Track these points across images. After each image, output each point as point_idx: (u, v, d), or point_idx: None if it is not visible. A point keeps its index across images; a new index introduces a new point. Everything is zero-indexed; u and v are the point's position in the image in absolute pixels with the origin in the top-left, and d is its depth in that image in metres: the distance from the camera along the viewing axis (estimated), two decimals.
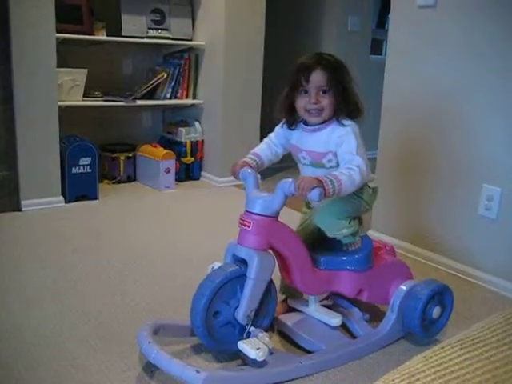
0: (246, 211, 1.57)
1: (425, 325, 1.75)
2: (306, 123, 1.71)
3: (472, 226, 2.34)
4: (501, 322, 1.03)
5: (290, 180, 1.50)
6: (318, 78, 1.62)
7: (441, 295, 1.79)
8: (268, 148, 1.81)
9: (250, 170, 1.64)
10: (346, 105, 1.64)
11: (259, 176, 1.66)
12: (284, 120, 1.77)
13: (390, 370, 1.58)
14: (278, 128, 1.81)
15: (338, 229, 1.68)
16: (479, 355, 0.90)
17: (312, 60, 1.65)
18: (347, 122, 1.64)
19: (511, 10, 2.12)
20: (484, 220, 2.28)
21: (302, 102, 1.66)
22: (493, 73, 2.20)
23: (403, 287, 1.76)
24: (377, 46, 5.40)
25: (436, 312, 1.76)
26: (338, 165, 1.63)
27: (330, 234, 1.70)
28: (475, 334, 0.97)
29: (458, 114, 2.35)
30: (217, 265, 1.64)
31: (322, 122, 1.66)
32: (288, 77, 1.69)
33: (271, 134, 1.83)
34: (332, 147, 1.63)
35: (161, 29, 3.67)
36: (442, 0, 2.36)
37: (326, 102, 1.63)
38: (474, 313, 2.03)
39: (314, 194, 1.46)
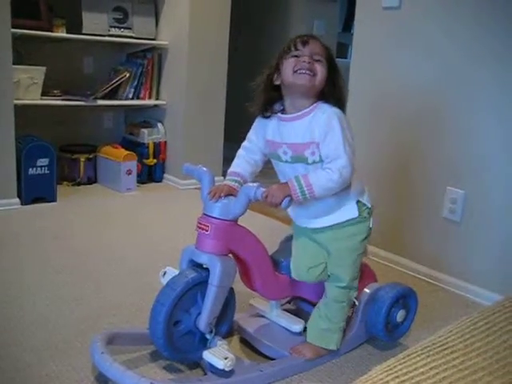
0: (204, 214, 1.50)
1: (389, 328, 1.72)
2: (283, 111, 1.53)
3: (436, 229, 2.32)
4: (468, 327, 0.99)
5: (256, 185, 1.43)
6: (315, 45, 1.46)
7: (405, 298, 1.76)
8: (244, 161, 1.61)
9: (205, 169, 1.55)
10: (335, 89, 1.48)
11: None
12: (259, 107, 1.55)
13: (353, 376, 1.57)
14: (252, 128, 1.62)
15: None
16: (446, 363, 0.85)
17: (308, 34, 1.50)
18: (333, 107, 1.47)
19: (474, 10, 2.12)
20: (448, 223, 2.27)
21: (290, 64, 1.45)
22: (456, 73, 2.20)
23: (367, 290, 1.72)
24: (342, 50, 5.42)
25: (400, 315, 1.73)
26: (321, 159, 1.47)
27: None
28: (442, 340, 0.93)
29: (421, 115, 2.34)
30: (170, 269, 1.58)
31: (306, 106, 1.47)
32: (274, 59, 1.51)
33: (244, 143, 1.64)
34: (316, 136, 1.45)
35: (123, 27, 3.58)
36: (407, 2, 2.35)
37: (319, 67, 1.44)
38: (438, 316, 2.01)
39: (284, 203, 1.41)
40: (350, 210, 1.56)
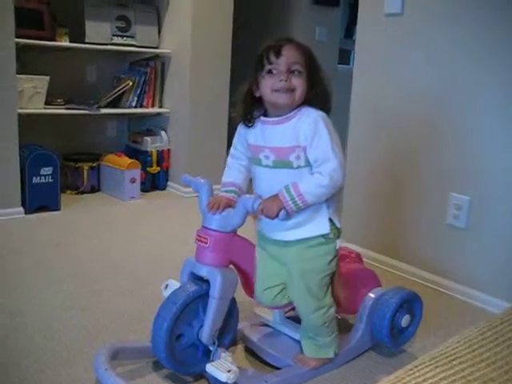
0: (203, 227, 1.48)
1: (393, 334, 1.70)
2: (266, 115, 1.48)
3: (441, 235, 2.31)
4: (476, 337, 0.98)
5: (254, 197, 1.41)
6: (289, 53, 1.39)
7: (410, 303, 1.75)
8: (235, 169, 1.58)
9: (203, 180, 1.53)
10: (319, 92, 1.43)
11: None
12: (240, 115, 1.51)
13: None
14: (236, 134, 1.58)
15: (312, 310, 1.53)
16: (455, 374, 0.84)
17: (281, 39, 1.42)
18: (318, 111, 1.43)
19: (477, 16, 2.12)
20: (453, 229, 2.26)
21: (268, 83, 1.40)
22: (460, 79, 2.19)
23: (371, 295, 1.71)
24: (344, 56, 5.42)
25: (405, 320, 1.71)
26: (307, 163, 1.43)
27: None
28: (450, 351, 0.92)
29: (425, 120, 2.33)
30: (172, 282, 1.56)
31: (289, 112, 1.43)
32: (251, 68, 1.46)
33: (231, 149, 1.60)
34: (301, 140, 1.40)
35: (126, 36, 3.59)
36: (409, 8, 2.35)
37: (297, 81, 1.39)
38: (443, 323, 1.99)
39: (281, 216, 1.39)
40: (321, 225, 1.49)
